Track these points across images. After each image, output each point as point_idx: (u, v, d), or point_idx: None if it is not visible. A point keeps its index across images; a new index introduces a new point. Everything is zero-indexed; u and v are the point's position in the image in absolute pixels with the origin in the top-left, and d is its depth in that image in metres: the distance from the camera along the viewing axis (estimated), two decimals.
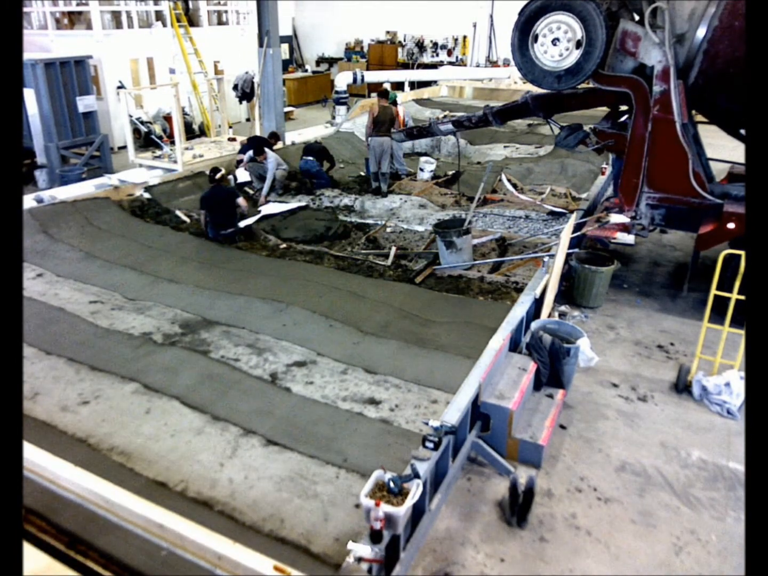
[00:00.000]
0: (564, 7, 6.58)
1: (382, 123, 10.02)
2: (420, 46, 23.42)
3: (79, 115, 11.77)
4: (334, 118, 14.88)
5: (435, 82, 19.04)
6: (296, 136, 13.47)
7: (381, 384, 5.05)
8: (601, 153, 8.67)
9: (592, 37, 6.50)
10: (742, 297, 4.95)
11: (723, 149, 9.25)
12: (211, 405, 4.75)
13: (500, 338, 5.07)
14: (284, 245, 8.16)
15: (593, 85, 7.01)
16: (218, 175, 8.31)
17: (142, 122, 13.62)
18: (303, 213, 9.32)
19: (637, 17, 6.77)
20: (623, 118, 7.67)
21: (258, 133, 12.73)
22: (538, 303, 6.11)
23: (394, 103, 12.00)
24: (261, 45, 11.84)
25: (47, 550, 3.18)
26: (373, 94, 18.64)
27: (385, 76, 17.97)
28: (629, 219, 7.10)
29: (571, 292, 7.14)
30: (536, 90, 7.66)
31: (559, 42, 6.68)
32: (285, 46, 22.82)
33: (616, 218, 7.11)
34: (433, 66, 21.72)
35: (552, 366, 5.13)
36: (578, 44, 6.60)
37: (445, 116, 13.15)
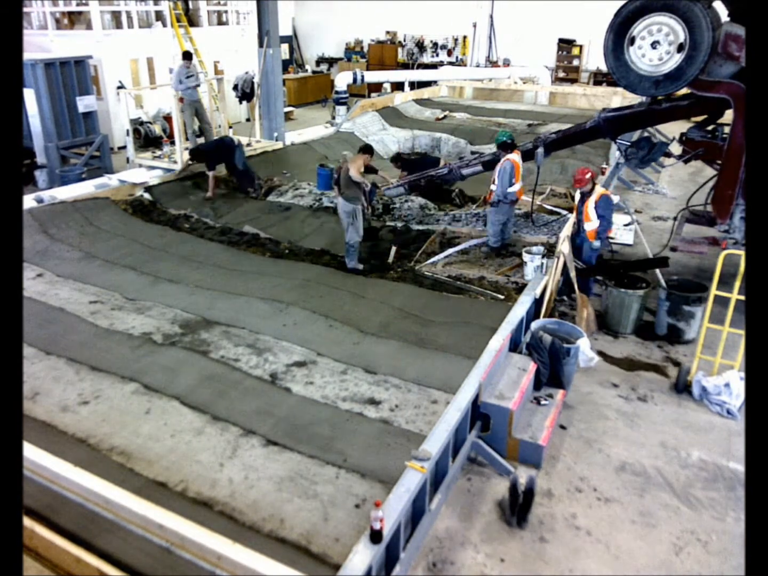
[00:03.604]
0: (666, 8, 6.16)
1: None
2: (420, 46, 23.41)
3: (79, 115, 11.76)
4: (334, 118, 14.88)
5: (435, 82, 19.04)
6: (296, 136, 13.47)
7: (381, 384, 5.05)
8: (687, 163, 8.12)
9: (697, 40, 6.10)
10: (742, 297, 4.94)
11: None
12: (211, 405, 4.75)
13: (500, 338, 5.07)
14: (285, 244, 8.16)
15: (688, 90, 6.62)
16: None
17: (141, 123, 13.60)
18: (301, 214, 9.33)
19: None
20: (712, 126, 7.27)
21: (258, 133, 12.72)
22: (538, 303, 6.12)
23: (510, 146, 7.67)
24: (261, 45, 11.84)
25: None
26: (374, 94, 18.72)
27: (385, 76, 17.99)
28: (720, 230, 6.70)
29: (604, 318, 6.58)
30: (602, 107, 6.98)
31: (659, 45, 6.30)
32: (285, 46, 22.81)
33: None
34: (433, 66, 21.71)
35: (552, 366, 5.13)
36: (680, 47, 6.22)
37: (469, 157, 10.17)
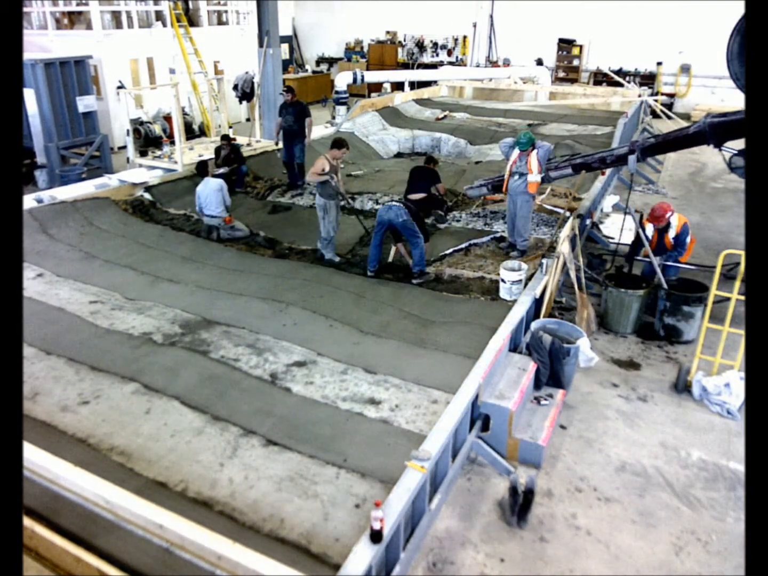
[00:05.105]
0: None
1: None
2: (420, 46, 23.44)
3: (79, 115, 11.78)
4: (334, 118, 14.89)
5: (435, 82, 19.05)
6: None
7: (381, 384, 5.05)
8: None
9: None
10: (742, 297, 4.95)
11: None
12: (211, 405, 4.75)
13: (500, 338, 5.07)
14: (285, 244, 8.16)
15: None
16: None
17: (141, 123, 13.62)
18: (301, 214, 9.33)
19: None
20: None
21: (258, 133, 12.72)
22: (538, 303, 6.12)
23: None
24: (261, 45, 11.86)
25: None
26: (374, 94, 18.72)
27: (385, 76, 17.98)
28: None
29: (604, 318, 6.61)
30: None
31: None
32: (285, 46, 22.83)
33: None
34: (433, 66, 21.73)
35: (552, 366, 5.13)
36: None
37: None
